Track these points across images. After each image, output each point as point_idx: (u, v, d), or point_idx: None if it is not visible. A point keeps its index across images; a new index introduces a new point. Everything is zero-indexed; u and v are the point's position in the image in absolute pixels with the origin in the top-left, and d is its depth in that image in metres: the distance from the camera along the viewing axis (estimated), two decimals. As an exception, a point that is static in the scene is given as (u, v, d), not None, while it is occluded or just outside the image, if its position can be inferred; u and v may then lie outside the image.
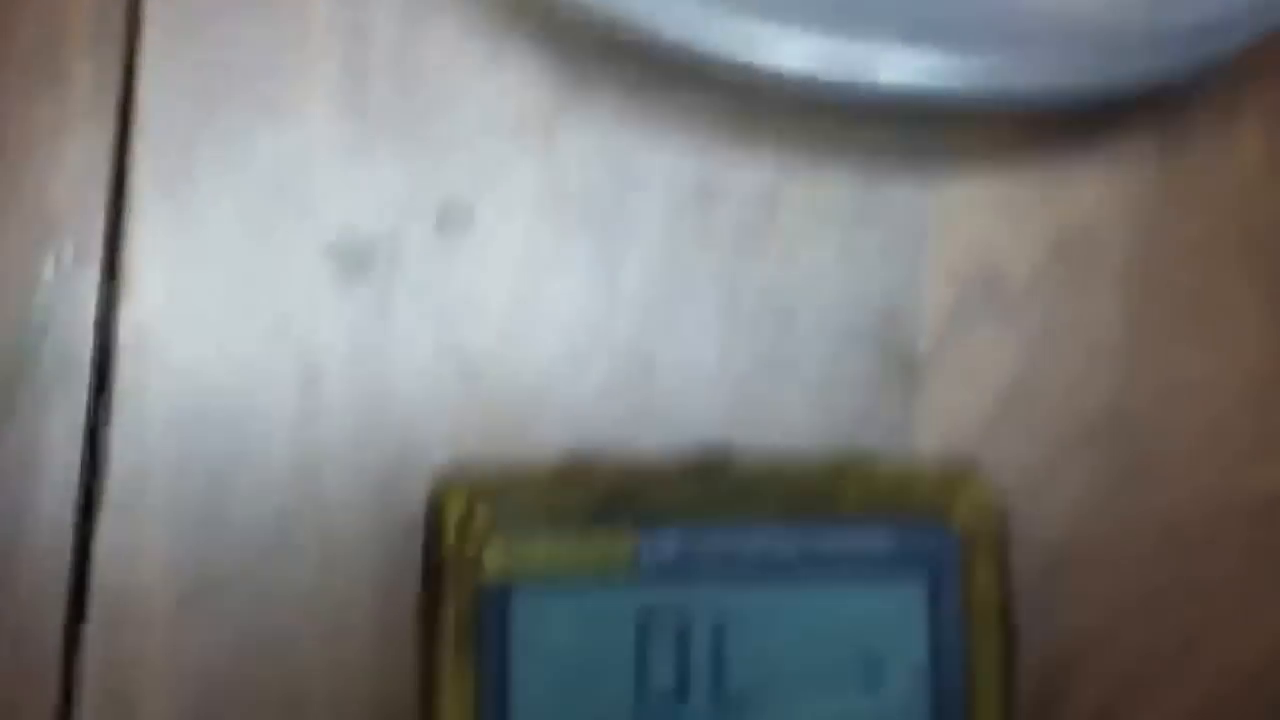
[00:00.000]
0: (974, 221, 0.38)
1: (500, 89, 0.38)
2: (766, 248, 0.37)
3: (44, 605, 0.36)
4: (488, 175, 0.37)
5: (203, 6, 0.37)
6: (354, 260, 0.37)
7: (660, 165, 0.38)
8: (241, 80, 0.37)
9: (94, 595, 0.36)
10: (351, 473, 0.36)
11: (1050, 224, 0.38)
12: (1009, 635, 0.33)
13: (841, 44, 0.35)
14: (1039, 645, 0.35)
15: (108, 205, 0.37)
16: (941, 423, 0.37)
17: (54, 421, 0.36)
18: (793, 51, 0.35)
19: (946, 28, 0.36)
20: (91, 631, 0.35)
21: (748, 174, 0.38)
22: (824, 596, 0.33)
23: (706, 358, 0.37)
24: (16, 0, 0.37)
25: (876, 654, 0.32)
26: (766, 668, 0.33)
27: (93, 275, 0.37)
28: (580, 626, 0.32)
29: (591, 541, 0.33)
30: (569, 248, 0.37)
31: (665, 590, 0.33)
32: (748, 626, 0.33)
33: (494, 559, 0.32)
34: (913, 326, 0.37)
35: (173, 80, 0.37)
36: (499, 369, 0.37)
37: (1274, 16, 0.35)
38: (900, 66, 0.35)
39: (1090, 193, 0.38)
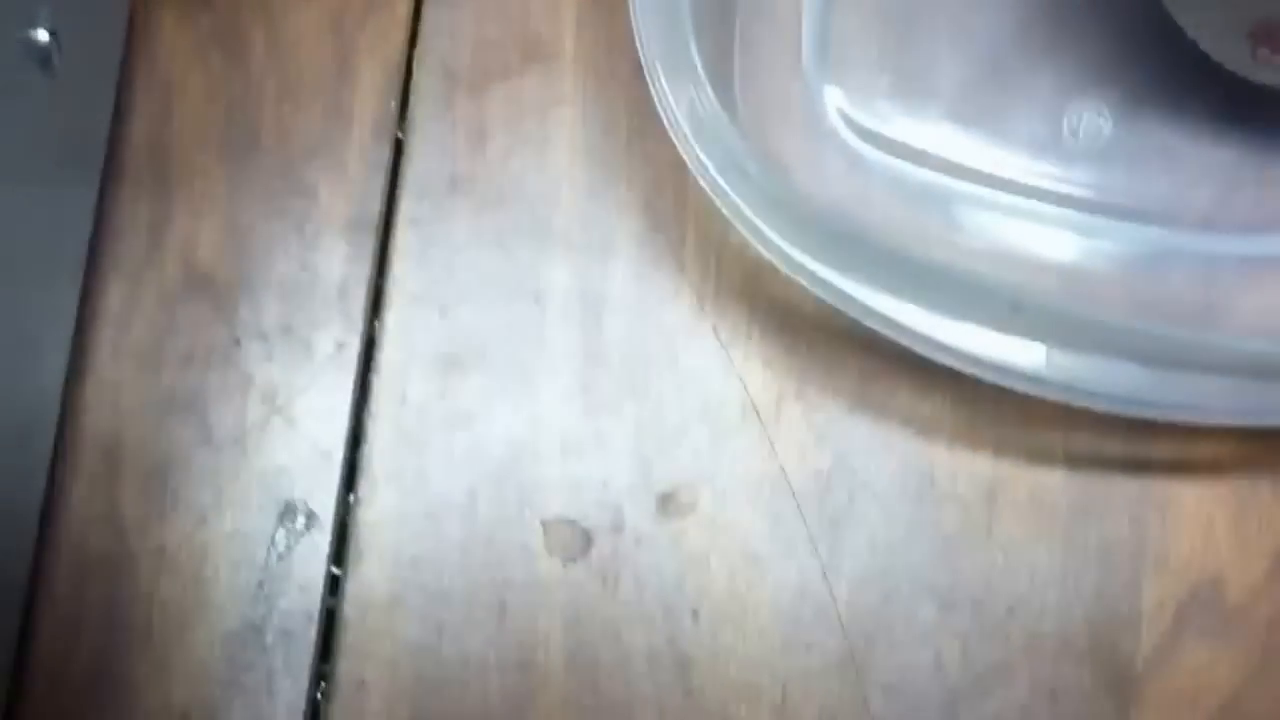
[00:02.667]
0: (1194, 530, 0.37)
1: (726, 378, 0.38)
2: (984, 548, 0.37)
3: None
4: (710, 462, 0.38)
5: (445, 285, 0.38)
6: (576, 543, 0.37)
7: (881, 459, 0.38)
8: (478, 357, 0.38)
9: None
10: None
11: (1273, 538, 0.37)
12: None
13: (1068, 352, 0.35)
14: None
15: (340, 479, 0.38)
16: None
17: (278, 692, 0.37)
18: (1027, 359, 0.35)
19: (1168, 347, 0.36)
20: None
21: (967, 473, 0.38)
22: None
23: (922, 660, 0.37)
24: (264, 276, 0.39)
25: None
26: None
27: (322, 548, 0.37)
28: None
29: None
30: (786, 536, 0.38)
31: None
32: None
33: None
34: (1130, 638, 0.37)
35: (412, 352, 0.38)
36: (713, 659, 0.37)
37: None
38: (1123, 382, 0.35)
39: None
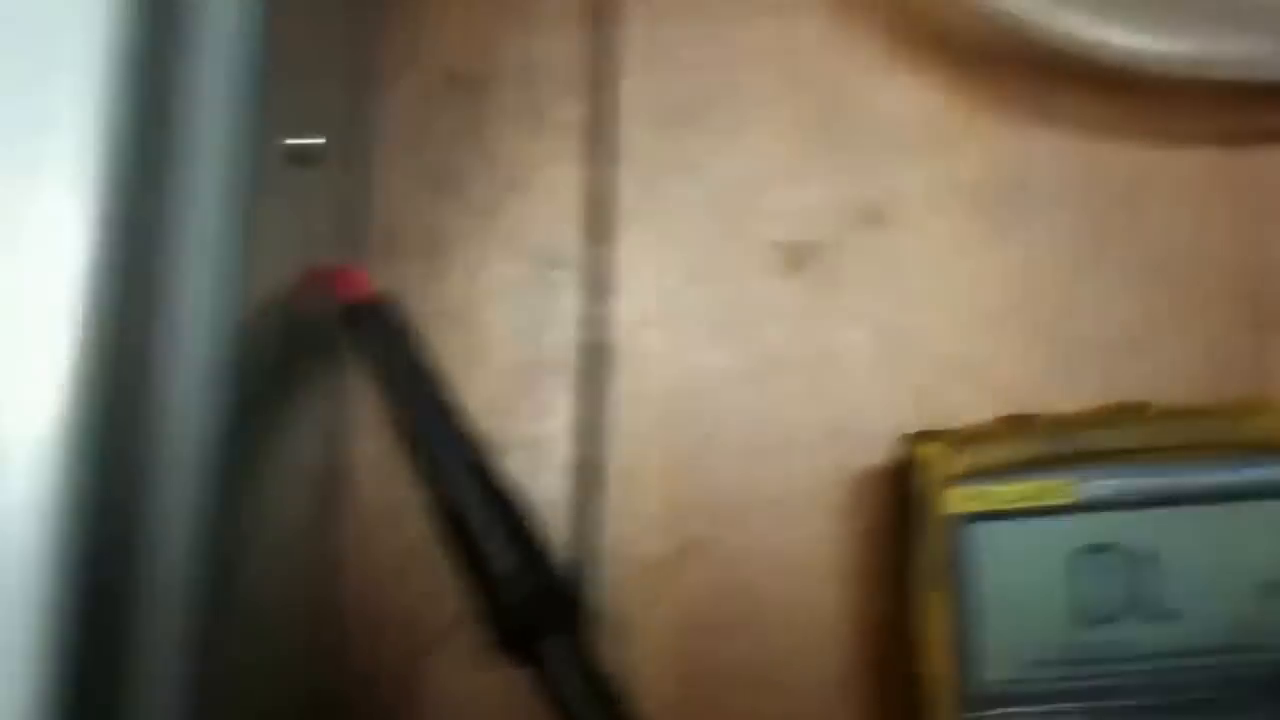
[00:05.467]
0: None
1: (918, 107, 0.45)
2: (1141, 221, 0.44)
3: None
4: (909, 179, 0.44)
5: (667, 56, 0.45)
6: (795, 257, 0.44)
7: (1062, 160, 0.44)
8: (700, 113, 0.45)
9: (598, 557, 0.43)
10: (806, 440, 0.43)
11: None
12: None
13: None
14: None
15: (581, 230, 0.44)
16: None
17: (558, 410, 0.43)
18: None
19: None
20: (604, 574, 0.43)
21: (1122, 157, 0.44)
22: (1239, 518, 0.39)
23: (1105, 321, 0.43)
24: (502, 60, 0.45)
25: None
26: (1187, 586, 0.39)
27: (574, 285, 0.44)
28: (1032, 552, 0.39)
29: (1038, 482, 0.39)
30: (977, 235, 0.44)
31: (1102, 521, 0.39)
32: (1175, 546, 0.39)
33: (959, 499, 0.39)
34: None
35: (639, 119, 0.45)
36: (922, 344, 0.44)
37: None
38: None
39: None
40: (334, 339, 0.43)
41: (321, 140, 0.37)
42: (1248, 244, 0.44)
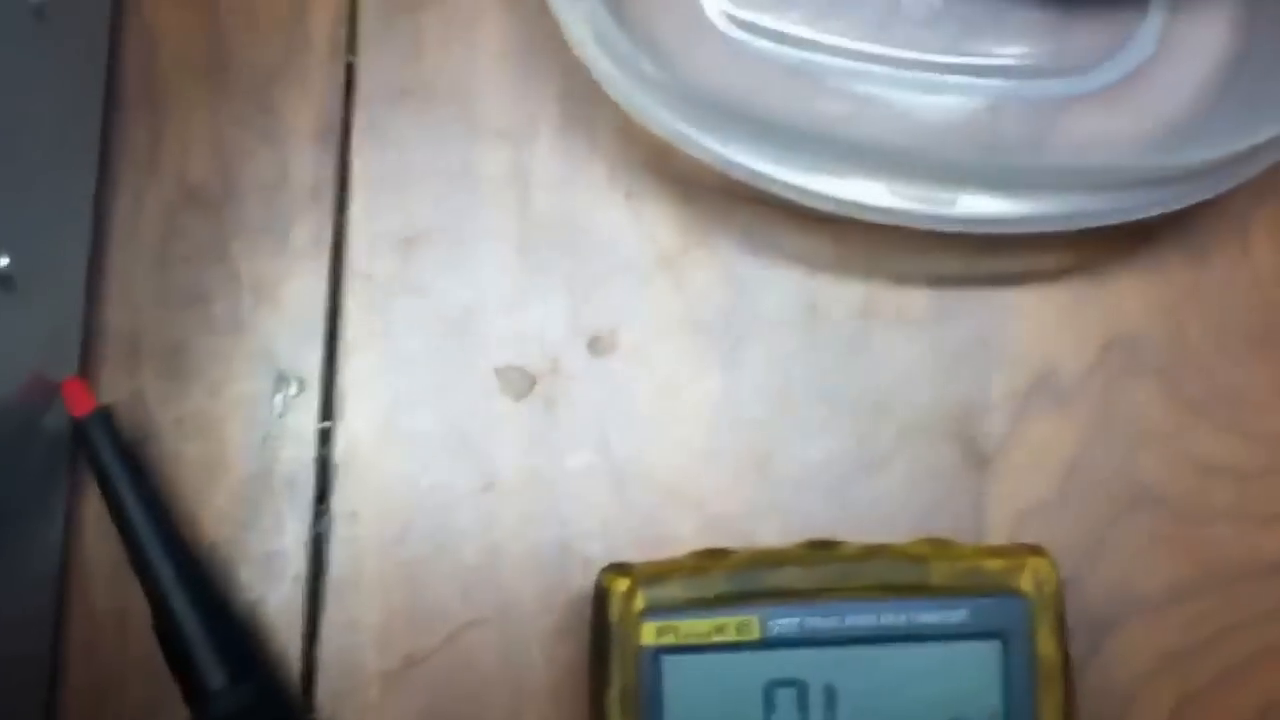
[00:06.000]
0: (1035, 331, 0.45)
1: (639, 236, 0.46)
2: (859, 356, 0.45)
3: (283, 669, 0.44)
4: (630, 307, 0.46)
5: (399, 177, 0.46)
6: (523, 384, 0.45)
7: (773, 291, 0.46)
8: (430, 235, 0.46)
9: (321, 669, 0.44)
10: (525, 561, 0.44)
11: (1101, 328, 0.45)
12: (1069, 686, 0.40)
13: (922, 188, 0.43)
14: (1092, 693, 0.43)
15: (323, 348, 0.45)
16: (1009, 505, 0.44)
17: (287, 529, 0.45)
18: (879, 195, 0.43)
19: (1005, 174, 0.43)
20: (320, 694, 0.44)
21: (845, 297, 0.45)
22: (917, 659, 0.40)
23: (814, 457, 0.45)
24: (247, 184, 0.46)
25: (960, 705, 0.40)
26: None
27: (313, 407, 0.45)
28: (719, 686, 0.40)
29: (726, 618, 0.41)
30: (698, 365, 0.45)
31: (787, 658, 0.40)
32: (855, 685, 0.40)
33: (650, 633, 0.40)
34: (986, 421, 0.45)
35: (375, 236, 0.46)
36: (642, 471, 0.45)
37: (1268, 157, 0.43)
38: (970, 206, 0.43)
39: (1130, 301, 0.45)
40: (60, 448, 0.44)
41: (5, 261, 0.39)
42: (962, 383, 0.45)
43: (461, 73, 0.47)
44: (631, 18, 0.45)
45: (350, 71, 0.47)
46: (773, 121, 0.43)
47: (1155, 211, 0.43)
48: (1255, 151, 0.42)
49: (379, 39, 0.47)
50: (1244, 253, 0.46)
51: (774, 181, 0.43)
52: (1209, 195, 0.42)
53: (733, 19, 0.47)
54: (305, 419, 0.45)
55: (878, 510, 0.45)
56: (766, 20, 0.47)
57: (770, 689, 0.40)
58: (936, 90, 0.46)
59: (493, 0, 0.47)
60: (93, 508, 0.44)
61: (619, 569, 0.41)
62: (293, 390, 0.45)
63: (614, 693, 0.40)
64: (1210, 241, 0.46)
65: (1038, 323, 0.45)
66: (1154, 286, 0.46)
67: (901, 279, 0.46)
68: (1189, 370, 0.45)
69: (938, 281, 0.46)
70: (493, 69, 0.47)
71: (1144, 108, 0.46)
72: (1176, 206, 0.43)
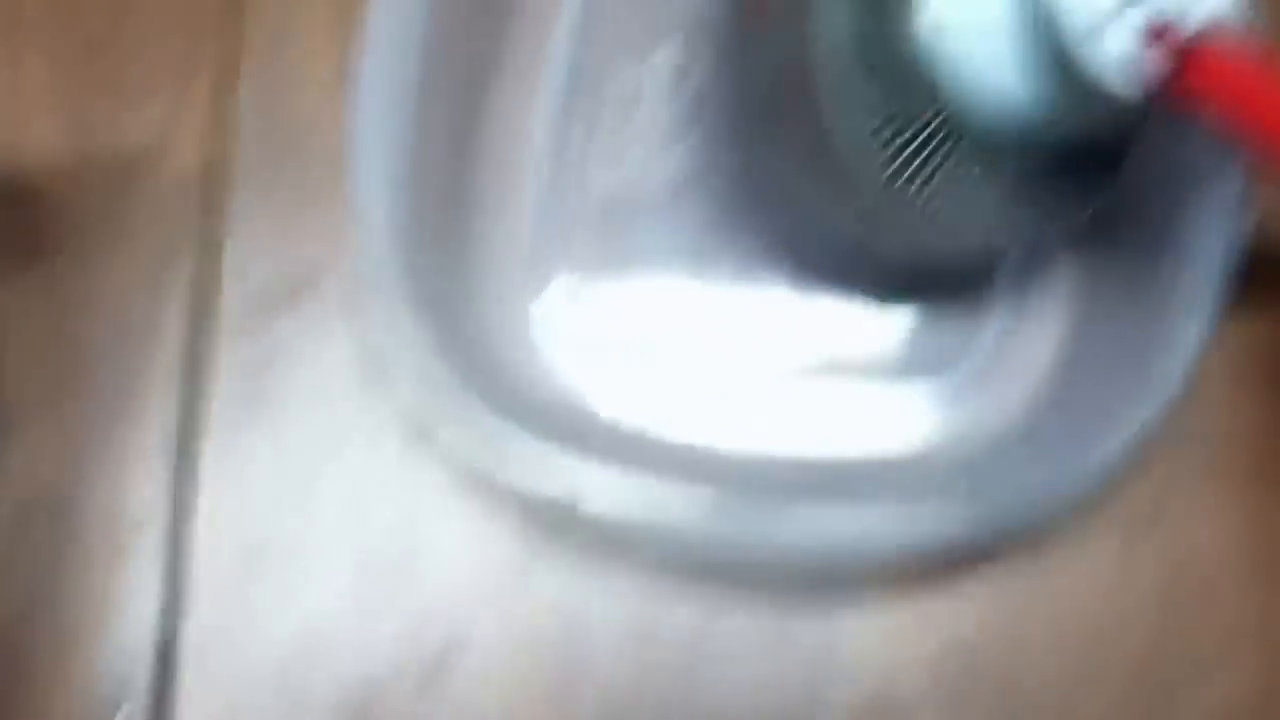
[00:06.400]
0: (871, 645, 0.45)
1: (483, 548, 0.46)
2: (693, 677, 0.45)
3: None
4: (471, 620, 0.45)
5: (249, 488, 0.46)
6: (359, 705, 0.45)
7: (609, 609, 0.45)
8: (270, 551, 0.46)
9: None
10: None
11: (934, 642, 0.46)
12: None
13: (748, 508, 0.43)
14: None
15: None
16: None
17: None
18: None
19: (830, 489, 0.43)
20: None
21: (679, 616, 0.45)
22: None
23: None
24: (85, 487, 0.46)
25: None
26: None
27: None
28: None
29: None
30: (538, 678, 0.45)
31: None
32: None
33: None
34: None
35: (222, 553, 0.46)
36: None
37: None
38: (794, 523, 0.43)
39: (968, 615, 0.46)
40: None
41: None
42: (796, 703, 0.45)
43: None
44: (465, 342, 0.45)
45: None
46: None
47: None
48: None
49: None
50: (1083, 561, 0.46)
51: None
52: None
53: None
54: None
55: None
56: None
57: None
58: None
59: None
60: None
61: None
62: (126, 709, 0.45)
63: None
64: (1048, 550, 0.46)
65: (874, 639, 0.46)
66: (992, 600, 0.46)
67: (736, 600, 0.46)
68: (1023, 684, 0.46)
69: (770, 601, 0.46)
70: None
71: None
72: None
